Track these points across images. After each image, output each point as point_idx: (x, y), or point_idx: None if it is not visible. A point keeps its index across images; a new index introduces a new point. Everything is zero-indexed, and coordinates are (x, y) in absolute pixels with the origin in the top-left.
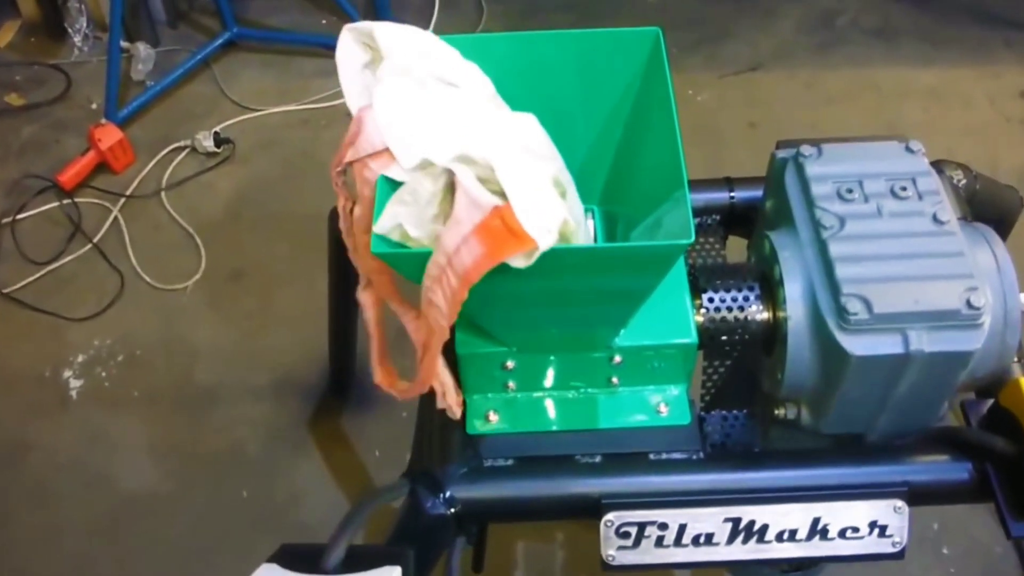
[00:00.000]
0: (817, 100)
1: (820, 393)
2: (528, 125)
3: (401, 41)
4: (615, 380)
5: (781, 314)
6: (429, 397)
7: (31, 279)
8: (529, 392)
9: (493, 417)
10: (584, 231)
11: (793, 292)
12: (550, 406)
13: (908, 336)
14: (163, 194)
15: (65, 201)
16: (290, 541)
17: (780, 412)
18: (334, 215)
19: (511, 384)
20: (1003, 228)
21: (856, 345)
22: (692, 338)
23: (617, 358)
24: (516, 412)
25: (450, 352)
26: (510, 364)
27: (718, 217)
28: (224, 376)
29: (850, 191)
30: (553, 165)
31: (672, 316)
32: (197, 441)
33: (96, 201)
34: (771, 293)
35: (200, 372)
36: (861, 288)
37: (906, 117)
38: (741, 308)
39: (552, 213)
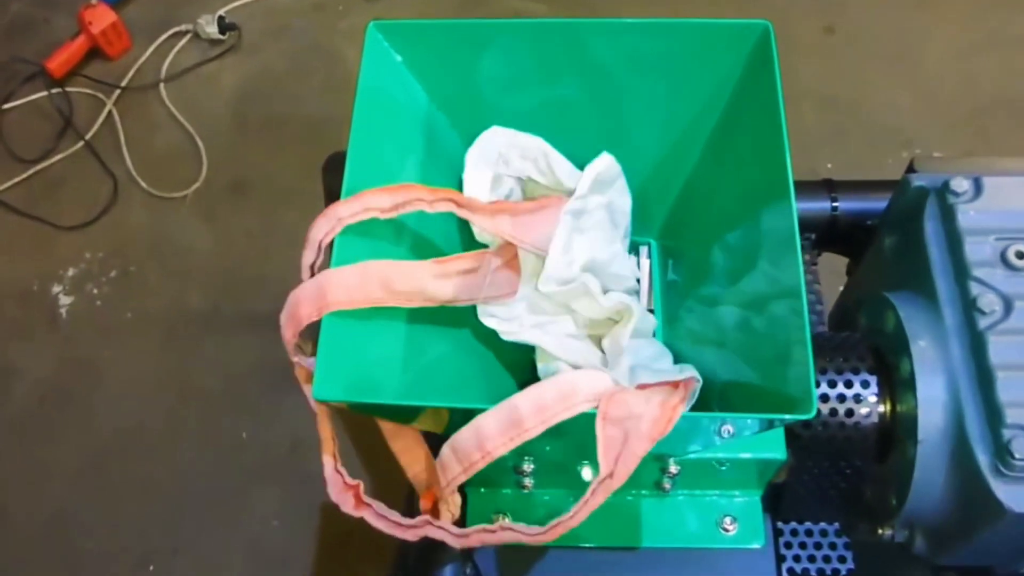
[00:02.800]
0: (905, 1)
1: (948, 529)
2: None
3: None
4: (667, 485)
5: (903, 408)
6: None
7: (18, 179)
8: (550, 491)
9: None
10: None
11: (929, 401)
12: None
13: None
14: (162, 86)
15: (55, 91)
16: (292, 492)
17: (885, 532)
18: (330, 163)
19: (527, 482)
20: None
21: (1017, 498)
22: (780, 453)
23: (673, 468)
24: (533, 517)
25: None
26: (527, 467)
27: (813, 236)
28: (222, 301)
29: (1021, 256)
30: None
31: None
32: (192, 374)
33: (88, 91)
34: (890, 382)
35: (196, 295)
36: None
37: (1012, 26)
38: (850, 412)
39: None
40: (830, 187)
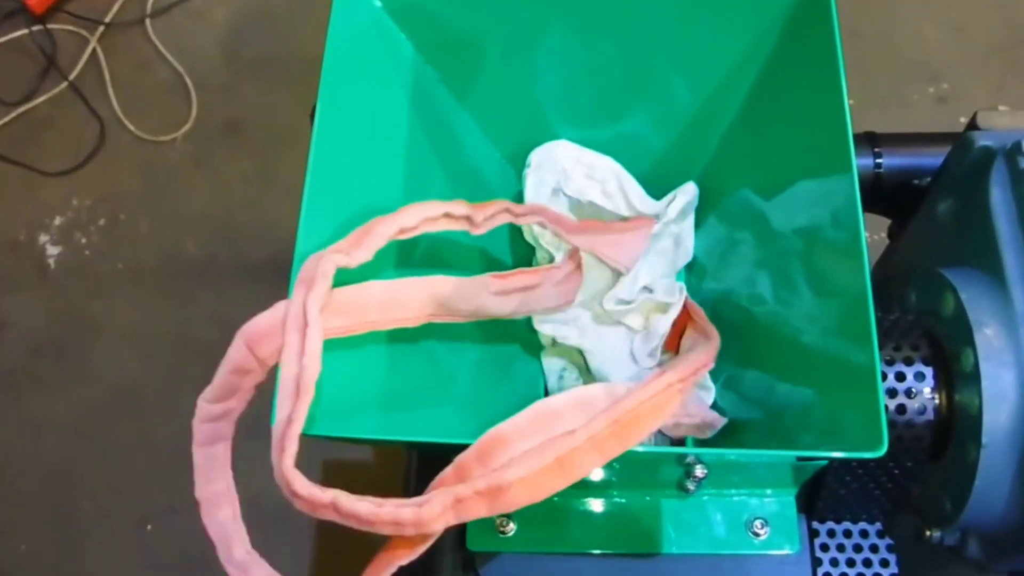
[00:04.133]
0: None
1: (1011, 538)
2: None
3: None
4: (691, 487)
5: (964, 405)
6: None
7: (1, 123)
8: (563, 492)
9: (508, 527)
10: None
11: (996, 400)
12: (591, 515)
13: None
14: (148, 22)
15: (36, 28)
16: None
17: (933, 534)
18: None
19: None
20: None
21: None
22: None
23: (700, 471)
24: (541, 521)
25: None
26: None
27: None
28: (217, 250)
29: None
30: None
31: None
32: (189, 326)
33: (71, 28)
34: (949, 375)
35: (190, 244)
36: None
37: None
38: (902, 408)
39: None
40: (873, 141)
